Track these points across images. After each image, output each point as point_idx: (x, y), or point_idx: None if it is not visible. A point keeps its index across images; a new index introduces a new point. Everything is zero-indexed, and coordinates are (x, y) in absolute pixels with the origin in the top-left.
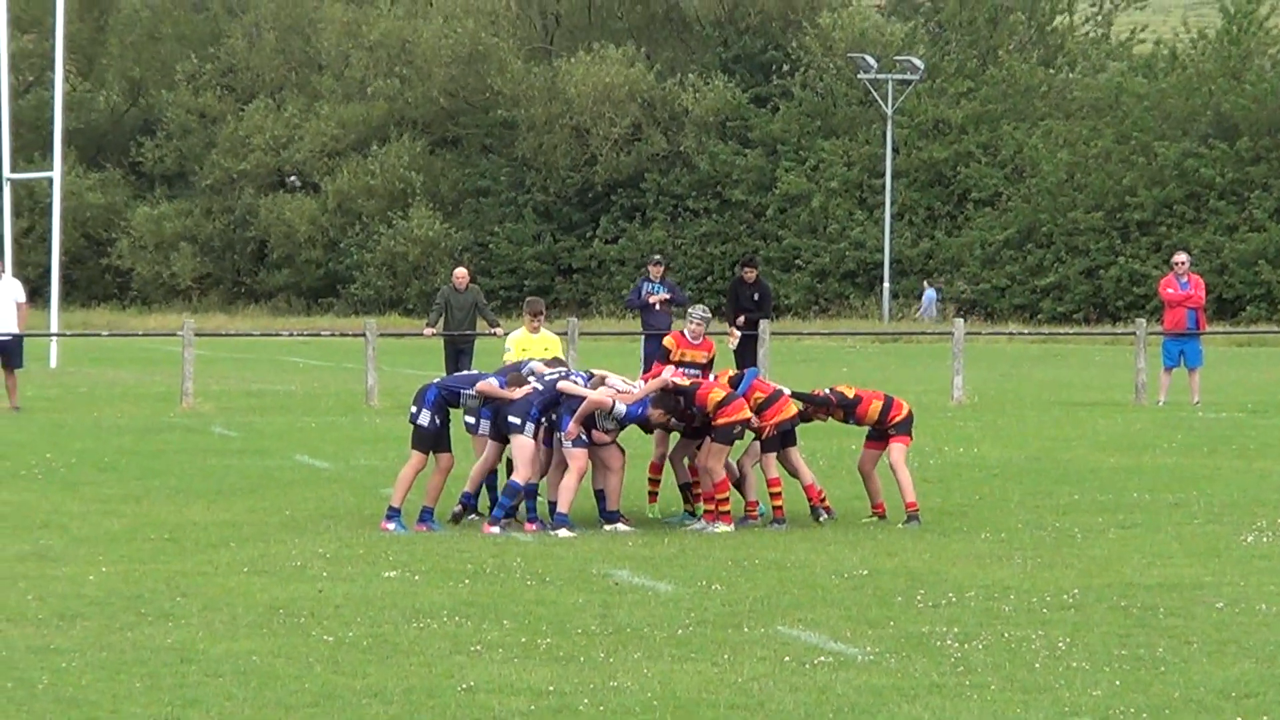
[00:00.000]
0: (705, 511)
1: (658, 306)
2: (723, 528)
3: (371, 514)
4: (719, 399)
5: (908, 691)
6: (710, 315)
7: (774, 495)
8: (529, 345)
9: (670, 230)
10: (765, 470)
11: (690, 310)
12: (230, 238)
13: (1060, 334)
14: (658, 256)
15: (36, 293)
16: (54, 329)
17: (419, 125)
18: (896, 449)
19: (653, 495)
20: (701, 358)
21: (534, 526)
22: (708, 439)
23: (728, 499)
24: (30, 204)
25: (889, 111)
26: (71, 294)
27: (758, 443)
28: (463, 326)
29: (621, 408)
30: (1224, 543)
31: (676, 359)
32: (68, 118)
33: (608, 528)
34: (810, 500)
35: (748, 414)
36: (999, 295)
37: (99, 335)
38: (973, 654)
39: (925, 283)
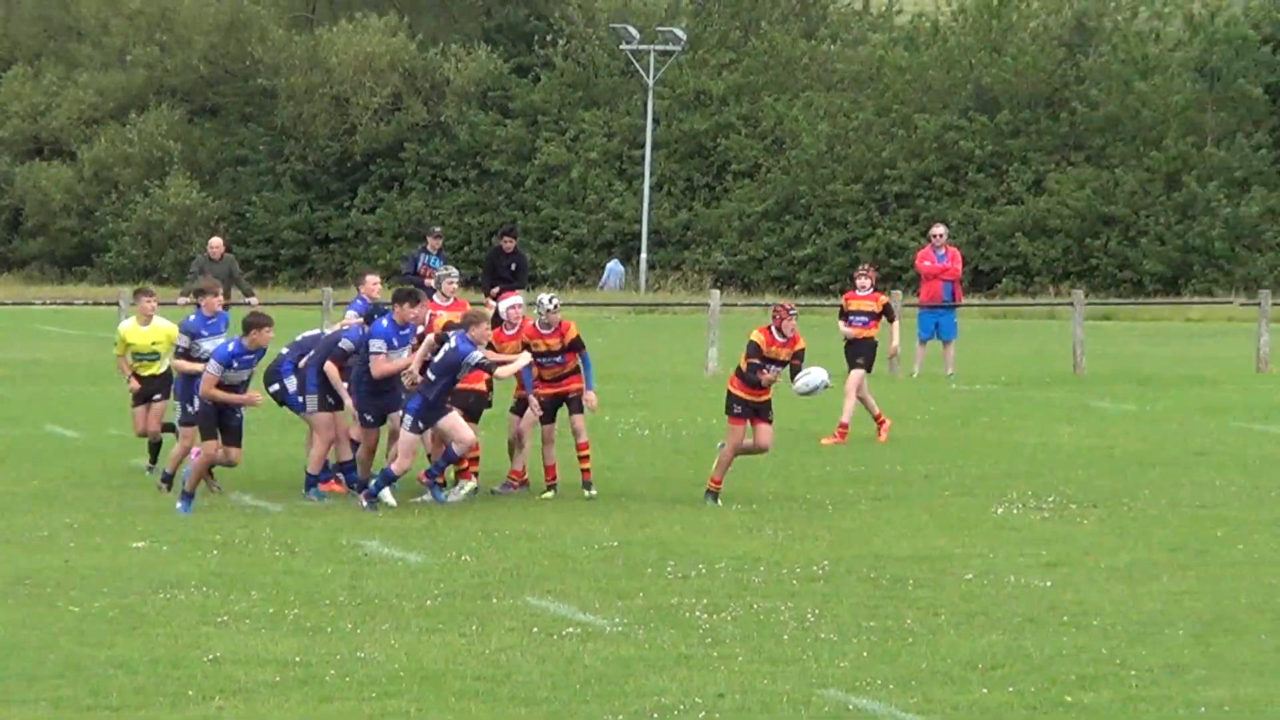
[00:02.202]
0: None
1: (430, 281)
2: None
3: (121, 484)
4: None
5: (655, 662)
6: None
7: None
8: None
9: (428, 200)
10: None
11: (539, 300)
12: None
13: (817, 305)
14: (437, 229)
15: None
16: None
17: (178, 94)
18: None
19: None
20: (556, 344)
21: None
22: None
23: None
24: None
25: (650, 83)
26: None
27: (535, 414)
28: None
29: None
30: (974, 515)
31: (537, 350)
32: None
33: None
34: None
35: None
36: (756, 266)
37: None
38: (721, 625)
39: (611, 255)
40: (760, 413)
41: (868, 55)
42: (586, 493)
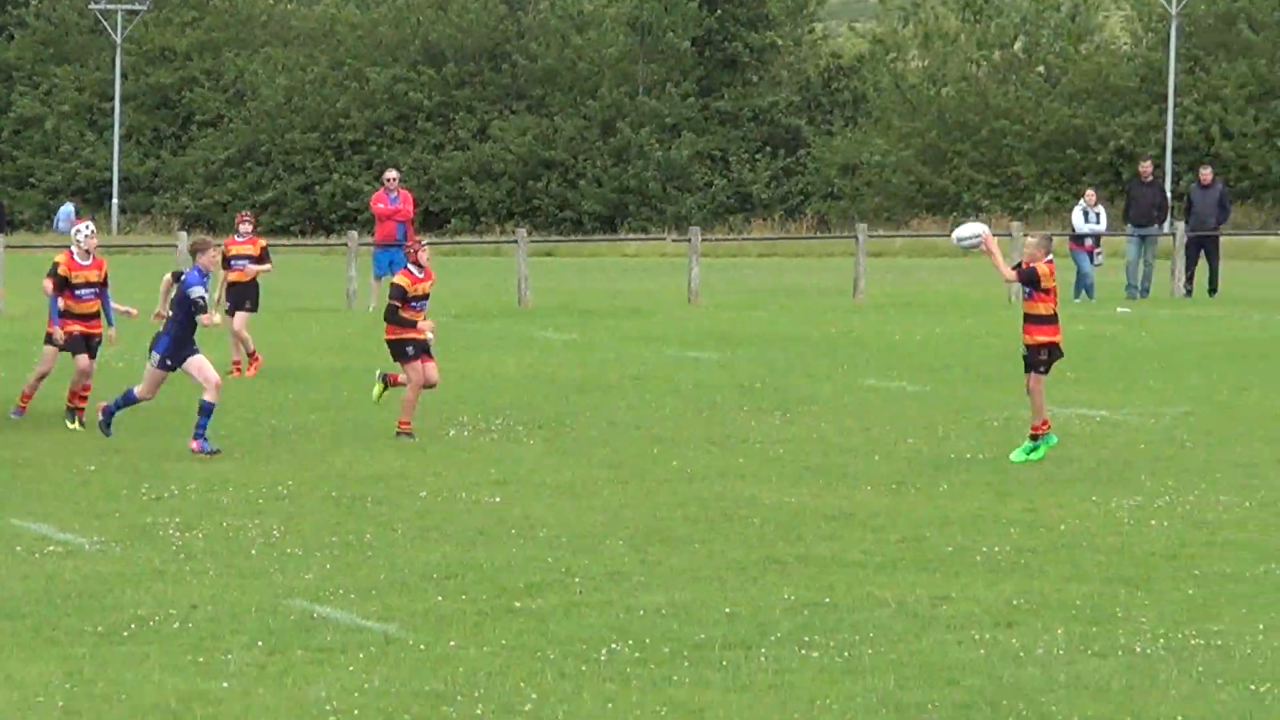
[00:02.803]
0: None
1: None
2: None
3: None
4: None
5: (132, 578)
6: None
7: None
8: None
9: None
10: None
11: (77, 229)
12: None
13: (278, 245)
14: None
15: None
16: None
17: None
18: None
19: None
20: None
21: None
22: None
23: None
24: None
25: (118, 40)
26: None
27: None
28: None
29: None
30: (428, 437)
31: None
32: None
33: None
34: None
35: None
36: (221, 210)
37: None
38: (193, 542)
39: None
40: (428, 350)
41: (321, 13)
42: (70, 423)
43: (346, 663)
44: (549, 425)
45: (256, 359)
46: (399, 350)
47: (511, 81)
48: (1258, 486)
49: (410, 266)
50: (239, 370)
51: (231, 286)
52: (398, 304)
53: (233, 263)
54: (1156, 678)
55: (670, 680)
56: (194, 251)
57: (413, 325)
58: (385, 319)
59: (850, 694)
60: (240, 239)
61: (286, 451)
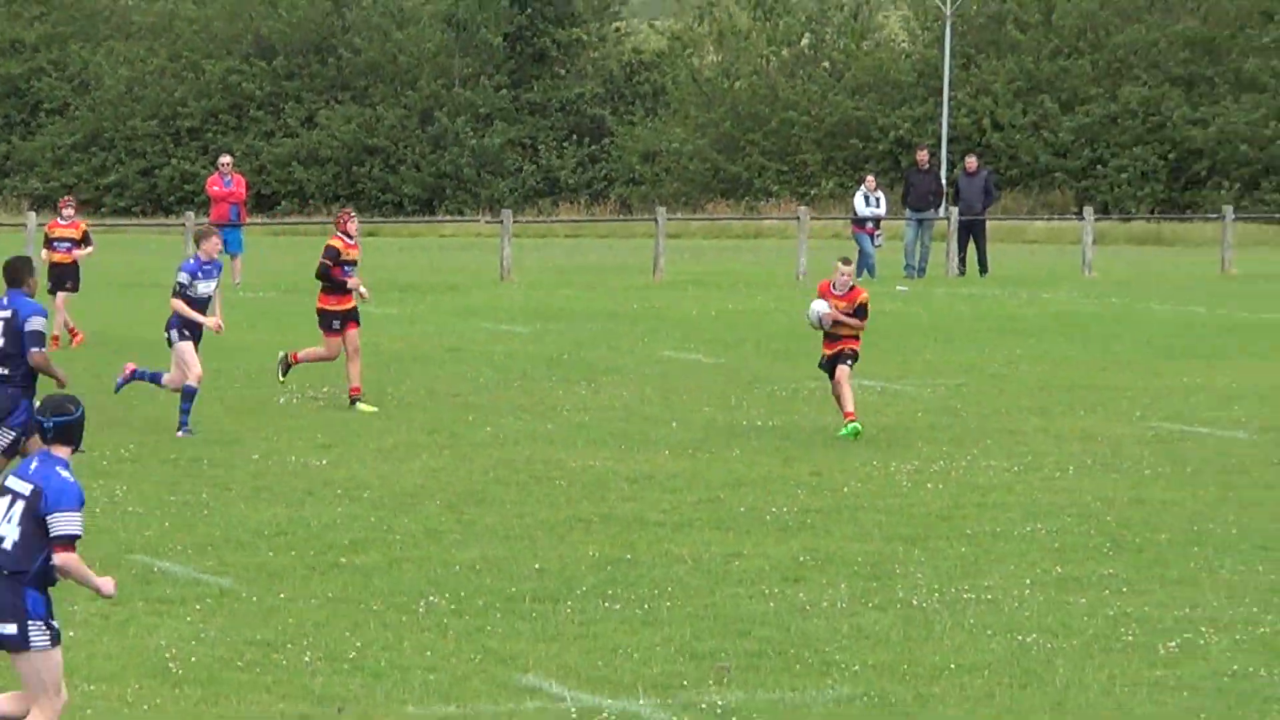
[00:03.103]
0: None
1: None
2: None
3: None
4: None
5: None
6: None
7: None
8: None
9: None
10: None
11: None
12: None
13: (120, 225)
14: None
15: None
16: None
17: None
18: None
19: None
20: None
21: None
22: None
23: None
24: None
25: None
26: None
27: None
28: None
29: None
30: (260, 404)
31: None
32: None
33: None
34: None
35: None
36: (67, 191)
37: None
38: None
39: None
40: (354, 317)
41: (161, 8)
42: None
43: (185, 613)
44: (373, 392)
45: (77, 335)
46: (326, 321)
47: (337, 73)
48: (1025, 452)
49: (340, 235)
50: (57, 343)
51: (54, 267)
52: (329, 263)
53: (55, 245)
54: (932, 629)
55: (484, 630)
56: (198, 239)
57: (344, 290)
58: (317, 276)
59: (650, 643)
60: (64, 222)
61: (129, 418)
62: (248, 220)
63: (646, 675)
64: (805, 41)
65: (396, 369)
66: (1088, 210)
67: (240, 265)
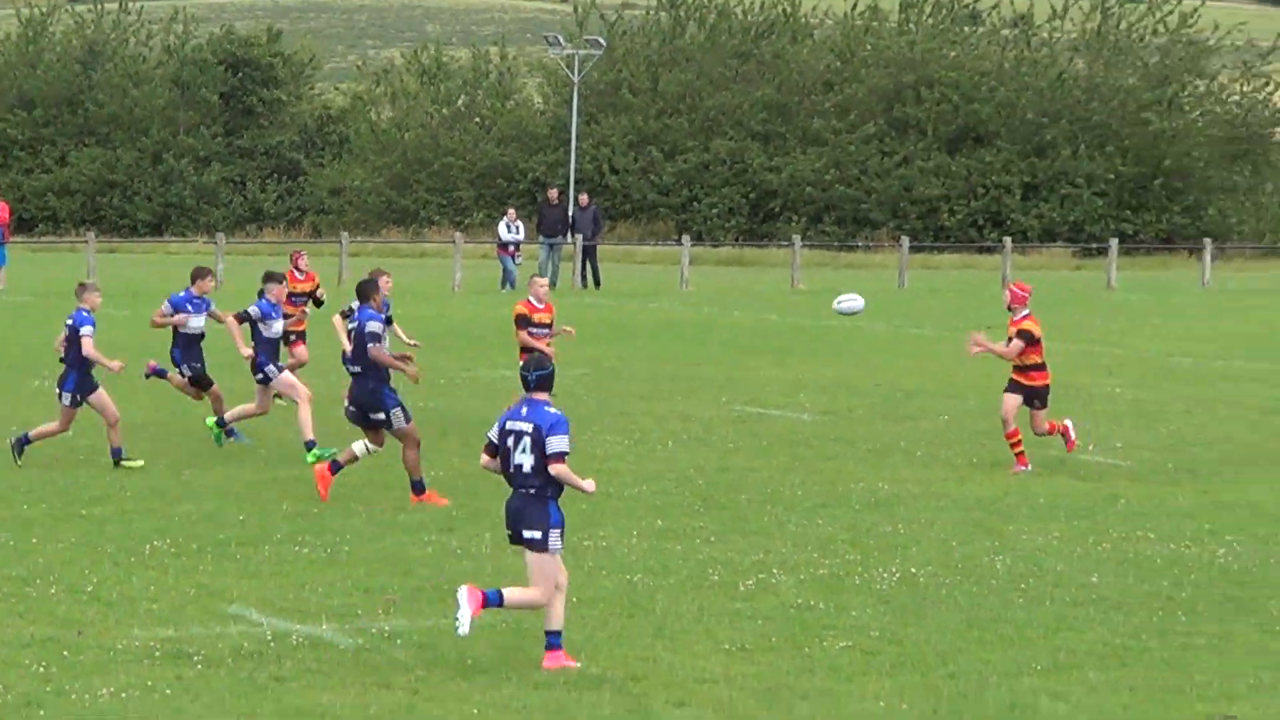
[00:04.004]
0: None
1: None
2: None
3: None
4: None
5: None
6: None
7: None
8: None
9: None
10: None
11: None
12: None
13: None
14: None
15: None
16: None
17: None
18: None
19: None
20: None
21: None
22: None
23: None
24: None
25: None
26: None
27: None
28: None
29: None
30: (13, 389)
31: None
32: None
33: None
34: None
35: None
36: None
37: None
38: None
39: None
40: (301, 337)
41: None
42: None
43: None
44: (111, 379)
45: None
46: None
47: (84, 122)
48: (633, 429)
49: (293, 269)
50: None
51: None
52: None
53: None
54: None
55: (198, 569)
56: (193, 278)
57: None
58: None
59: (332, 580)
60: None
61: None
62: (10, 239)
63: (329, 606)
64: (461, 101)
65: (131, 361)
66: (685, 238)
67: (4, 275)
